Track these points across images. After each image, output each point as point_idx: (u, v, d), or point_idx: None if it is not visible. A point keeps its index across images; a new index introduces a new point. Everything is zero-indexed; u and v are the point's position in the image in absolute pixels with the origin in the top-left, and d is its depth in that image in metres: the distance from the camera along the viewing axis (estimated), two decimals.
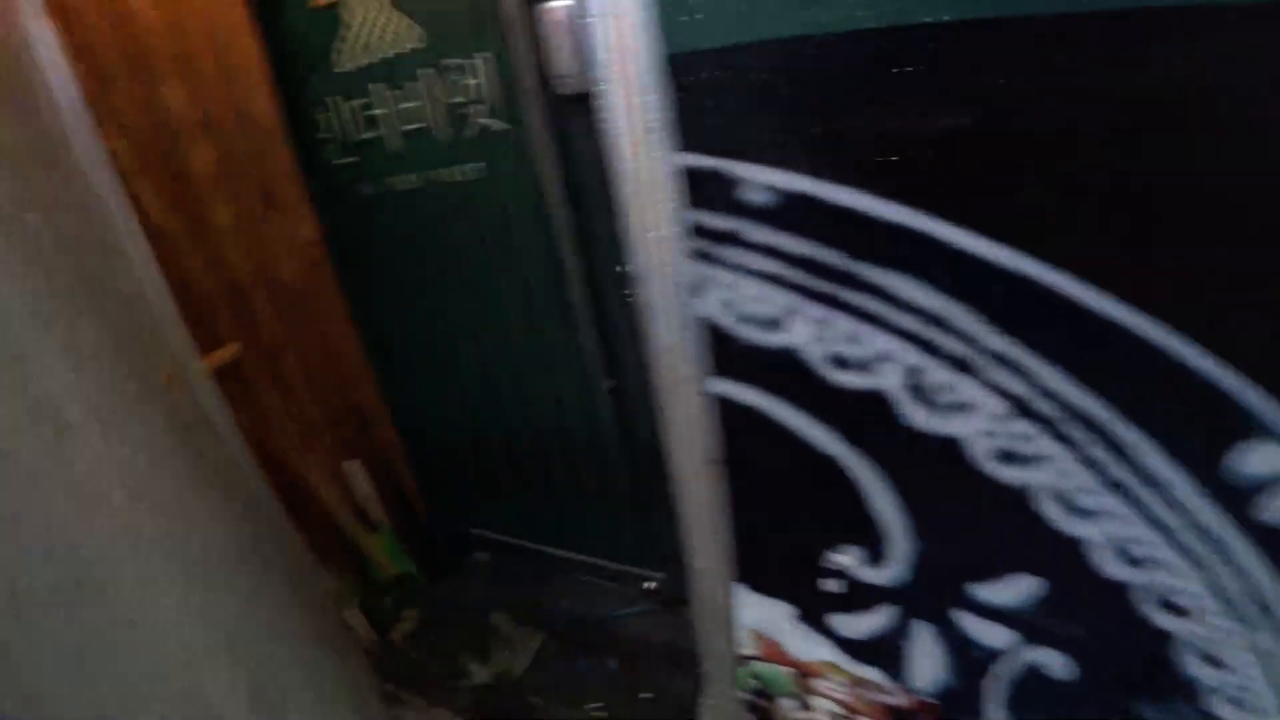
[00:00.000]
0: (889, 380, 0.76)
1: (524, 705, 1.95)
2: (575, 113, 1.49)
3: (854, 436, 0.81)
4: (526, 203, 1.65)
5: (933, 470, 0.80)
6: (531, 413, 2.01)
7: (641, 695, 1.94)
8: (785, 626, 1.06)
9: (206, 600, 1.27)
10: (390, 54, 1.64)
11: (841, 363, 0.76)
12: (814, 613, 1.03)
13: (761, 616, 1.07)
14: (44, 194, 1.08)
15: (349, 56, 1.70)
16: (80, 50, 1.44)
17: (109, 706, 1.04)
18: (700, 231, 0.75)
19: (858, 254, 0.71)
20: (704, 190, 0.73)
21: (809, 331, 0.76)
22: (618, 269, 1.36)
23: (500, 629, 2.15)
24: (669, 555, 2.04)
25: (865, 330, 0.74)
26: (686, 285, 0.77)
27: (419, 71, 1.62)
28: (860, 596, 0.98)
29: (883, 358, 0.75)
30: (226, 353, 1.67)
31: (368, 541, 1.94)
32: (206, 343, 1.67)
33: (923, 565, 0.90)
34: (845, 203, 0.68)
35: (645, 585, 2.15)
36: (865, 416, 0.79)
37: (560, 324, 1.76)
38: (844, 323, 0.74)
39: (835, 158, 0.67)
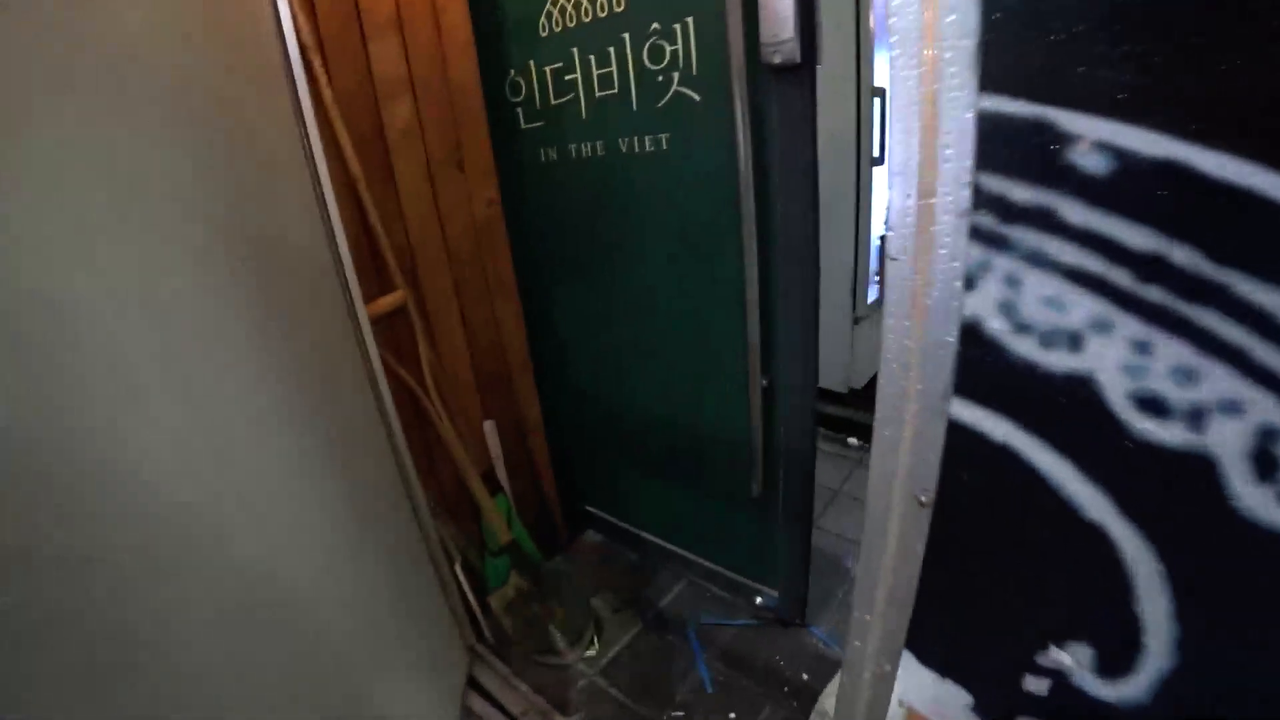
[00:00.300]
0: (1224, 442, 0.51)
1: (605, 696, 1.79)
2: (781, 85, 1.29)
3: (1142, 508, 0.56)
4: (710, 180, 1.47)
5: (1254, 574, 0.54)
6: (677, 401, 1.83)
7: (730, 715, 1.73)
8: (954, 715, 0.82)
9: (292, 542, 1.19)
10: (592, 19, 1.52)
11: (1156, 407, 0.52)
12: (998, 710, 0.78)
13: (925, 695, 0.83)
14: (227, 149, 1.04)
15: (556, 21, 1.59)
16: (305, 3, 1.41)
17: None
18: (994, 203, 0.53)
19: (1232, 254, 0.47)
20: (1012, 147, 0.51)
21: (1118, 356, 0.52)
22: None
23: (598, 614, 2.00)
24: (787, 573, 1.81)
25: (1209, 366, 0.50)
26: (959, 272, 0.55)
27: (620, 36, 1.48)
28: (1072, 707, 0.72)
29: (1227, 408, 0.50)
30: (393, 299, 1.62)
31: (488, 504, 1.84)
32: (379, 287, 1.62)
33: (1182, 692, 0.64)
34: (1237, 180, 0.45)
35: (756, 600, 1.92)
36: (1170, 485, 0.54)
37: (726, 313, 1.56)
38: (1176, 351, 0.50)
39: (1242, 113, 0.44)
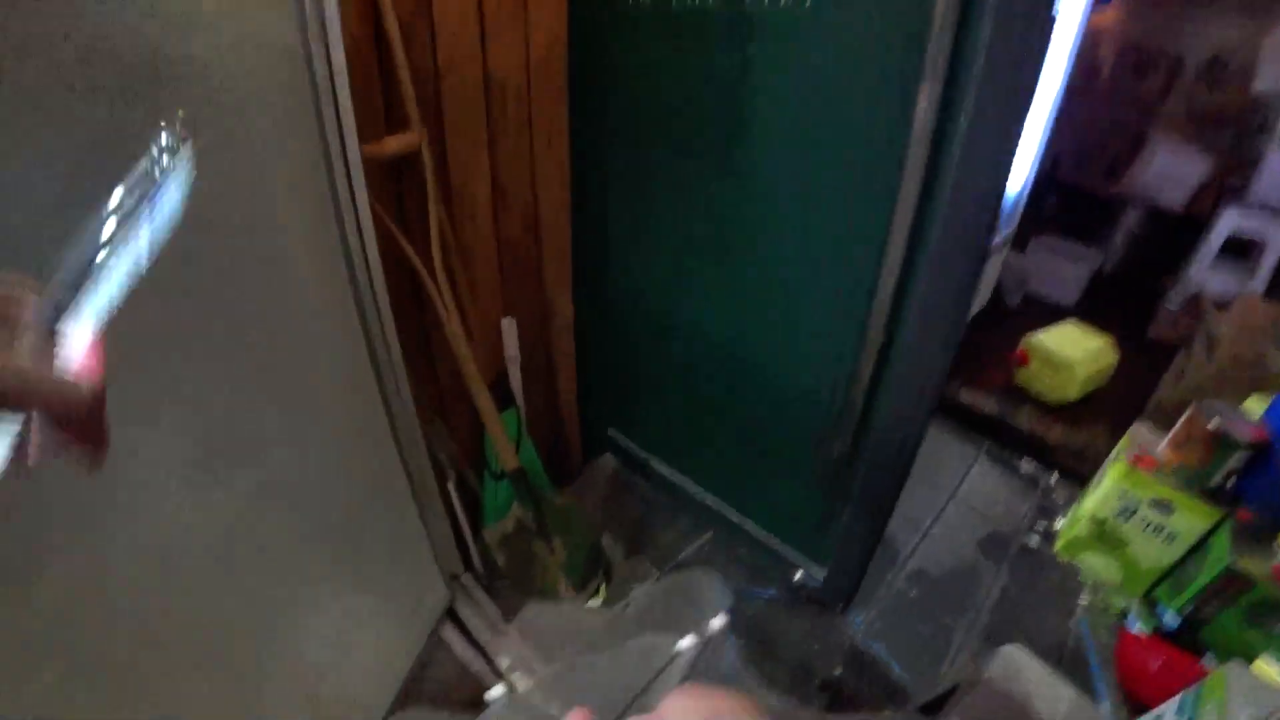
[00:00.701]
0: None
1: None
2: None
3: None
4: (872, 60, 0.99)
5: None
6: (752, 329, 1.41)
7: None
8: None
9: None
10: None
11: None
12: None
13: None
14: None
15: None
16: None
17: None
18: None
19: None
20: None
21: None
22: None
23: (609, 557, 1.69)
24: (845, 553, 1.46)
25: None
26: None
27: None
28: None
29: None
30: (403, 142, 1.15)
31: (493, 418, 1.46)
32: (386, 124, 1.17)
33: None
34: None
35: (795, 575, 1.62)
36: None
37: (855, 243, 1.12)
38: None
39: None
